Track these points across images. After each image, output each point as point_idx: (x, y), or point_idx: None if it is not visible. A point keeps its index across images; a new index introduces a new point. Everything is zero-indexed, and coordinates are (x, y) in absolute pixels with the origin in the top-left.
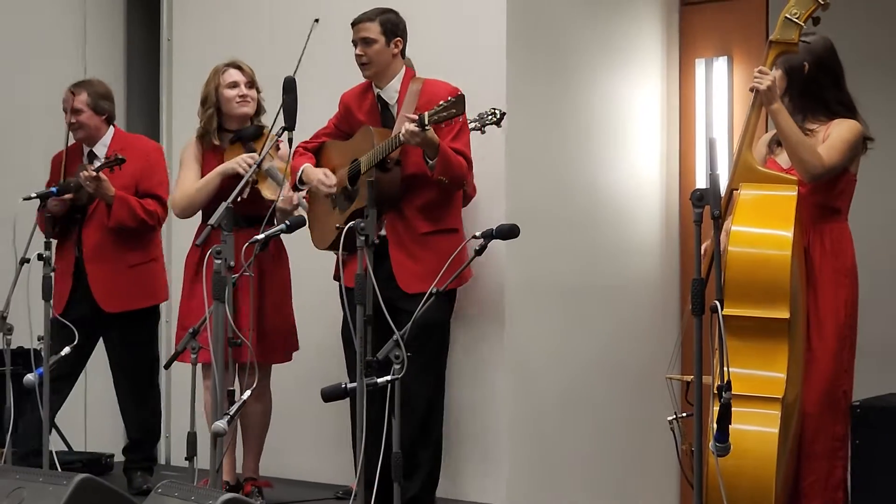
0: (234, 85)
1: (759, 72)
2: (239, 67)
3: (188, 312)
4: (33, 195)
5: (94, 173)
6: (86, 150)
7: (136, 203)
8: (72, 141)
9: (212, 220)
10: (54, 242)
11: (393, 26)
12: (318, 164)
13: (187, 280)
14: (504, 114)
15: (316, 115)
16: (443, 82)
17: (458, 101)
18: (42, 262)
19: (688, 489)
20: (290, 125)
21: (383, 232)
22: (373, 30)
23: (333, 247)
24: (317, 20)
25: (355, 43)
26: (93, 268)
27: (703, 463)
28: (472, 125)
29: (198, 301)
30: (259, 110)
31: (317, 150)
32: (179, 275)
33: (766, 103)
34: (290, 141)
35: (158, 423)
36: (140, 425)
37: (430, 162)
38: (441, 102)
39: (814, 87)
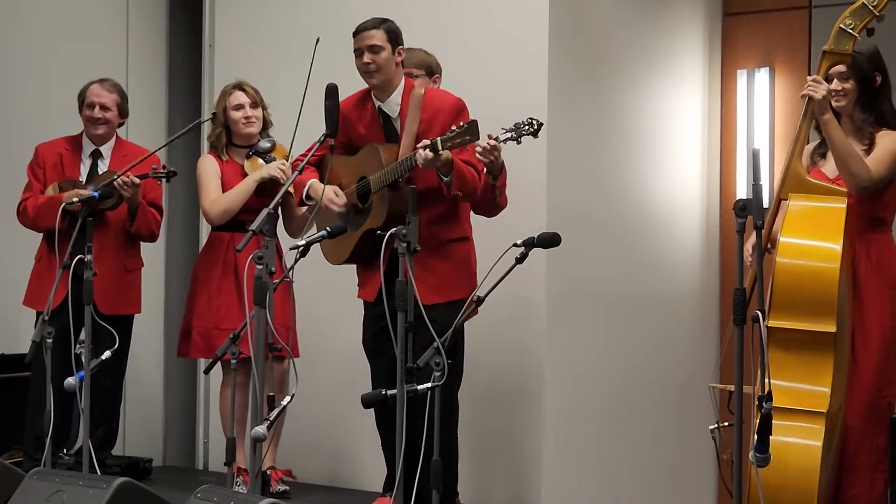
0: (240, 107)
1: (814, 80)
2: (243, 90)
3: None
4: (76, 200)
5: (138, 181)
6: (88, 147)
7: (150, 214)
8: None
9: (253, 226)
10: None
11: (396, 35)
12: (321, 179)
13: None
14: (542, 124)
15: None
16: (445, 93)
17: (472, 127)
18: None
19: (726, 498)
20: (332, 131)
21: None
22: (379, 37)
23: (350, 261)
24: (318, 39)
25: (359, 52)
26: (97, 268)
27: (745, 474)
28: (507, 135)
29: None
30: (266, 125)
31: (318, 164)
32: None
33: (818, 113)
34: (332, 147)
35: (112, 432)
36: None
37: (445, 179)
38: (454, 128)
39: (878, 98)
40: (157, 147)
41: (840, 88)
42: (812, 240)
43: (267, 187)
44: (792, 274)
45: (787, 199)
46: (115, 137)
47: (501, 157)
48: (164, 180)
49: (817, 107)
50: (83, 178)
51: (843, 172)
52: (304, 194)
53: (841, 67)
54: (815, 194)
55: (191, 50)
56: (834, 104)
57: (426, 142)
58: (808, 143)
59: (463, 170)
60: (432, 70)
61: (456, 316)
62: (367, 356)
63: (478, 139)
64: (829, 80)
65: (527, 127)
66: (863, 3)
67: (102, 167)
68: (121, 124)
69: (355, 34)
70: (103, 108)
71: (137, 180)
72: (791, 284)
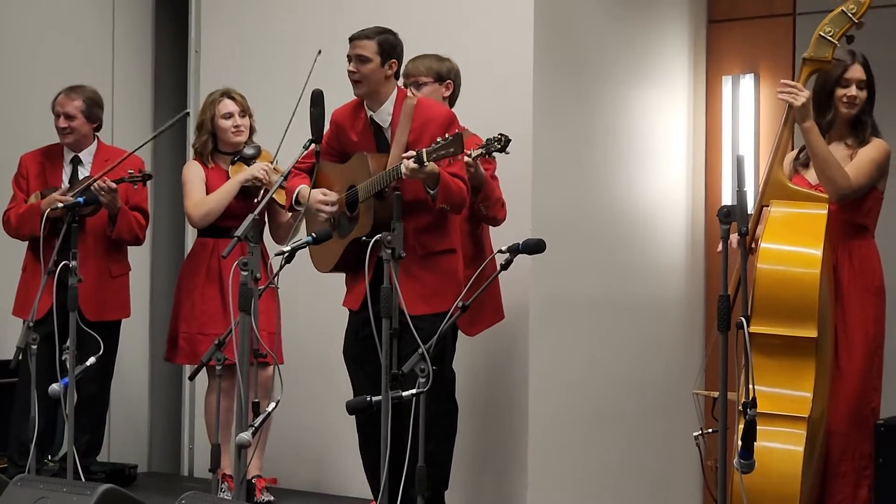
0: (229, 116)
1: (794, 87)
2: (232, 98)
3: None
4: (60, 206)
5: (114, 185)
6: (68, 155)
7: (132, 218)
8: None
9: (238, 232)
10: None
11: (390, 48)
12: (312, 186)
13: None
14: (509, 140)
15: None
16: (437, 103)
17: (457, 139)
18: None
19: None
20: (316, 138)
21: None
22: (369, 48)
23: (337, 269)
24: (319, 51)
25: (350, 58)
26: (81, 274)
27: (728, 479)
28: (478, 152)
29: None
30: (251, 132)
31: (310, 171)
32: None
33: (799, 120)
34: (317, 154)
35: (97, 438)
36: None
37: (432, 192)
38: (439, 139)
39: (869, 105)
40: (140, 152)
41: (855, 96)
42: (793, 246)
43: (252, 191)
44: (773, 280)
45: (768, 206)
46: (95, 142)
47: (482, 171)
48: (140, 184)
49: (797, 114)
50: (65, 185)
51: (822, 180)
52: (294, 200)
53: (862, 75)
54: (797, 200)
55: (177, 55)
56: (845, 110)
57: (411, 153)
58: (791, 150)
59: (450, 183)
60: (441, 76)
61: (440, 325)
62: (347, 364)
63: (462, 151)
64: (846, 85)
65: (496, 143)
66: (842, 10)
67: (83, 173)
68: (97, 129)
69: (350, 40)
70: (67, 116)
71: (114, 185)
72: (772, 290)
